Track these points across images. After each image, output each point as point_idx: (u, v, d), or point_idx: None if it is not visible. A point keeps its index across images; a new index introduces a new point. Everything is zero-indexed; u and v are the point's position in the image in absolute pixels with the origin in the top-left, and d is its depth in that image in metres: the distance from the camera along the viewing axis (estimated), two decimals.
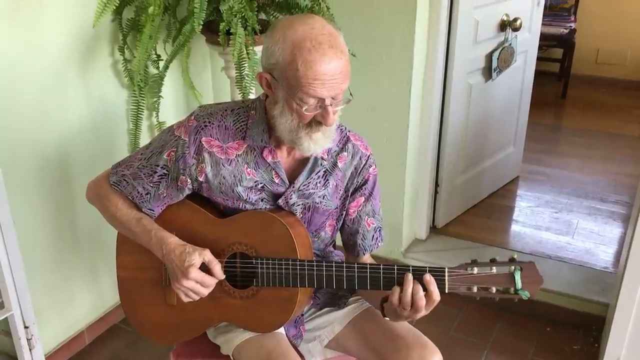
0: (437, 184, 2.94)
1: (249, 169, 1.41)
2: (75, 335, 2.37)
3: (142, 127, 2.31)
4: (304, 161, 1.44)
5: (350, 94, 1.32)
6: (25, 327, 1.94)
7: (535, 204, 3.36)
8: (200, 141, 1.39)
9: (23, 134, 2.01)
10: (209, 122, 1.41)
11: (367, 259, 1.57)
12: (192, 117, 1.42)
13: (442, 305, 1.35)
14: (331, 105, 1.28)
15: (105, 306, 2.49)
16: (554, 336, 2.49)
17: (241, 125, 1.41)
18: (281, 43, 1.25)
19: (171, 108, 2.54)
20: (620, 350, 2.09)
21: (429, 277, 1.29)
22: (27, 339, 1.96)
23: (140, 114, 2.29)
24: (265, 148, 1.40)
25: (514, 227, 3.15)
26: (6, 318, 1.89)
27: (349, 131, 1.51)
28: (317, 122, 1.31)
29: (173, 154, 1.40)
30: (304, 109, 1.27)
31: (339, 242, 1.62)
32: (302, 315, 1.59)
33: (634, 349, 2.08)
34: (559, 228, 3.10)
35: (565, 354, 2.39)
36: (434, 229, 3.03)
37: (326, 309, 1.60)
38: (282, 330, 1.51)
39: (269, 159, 1.41)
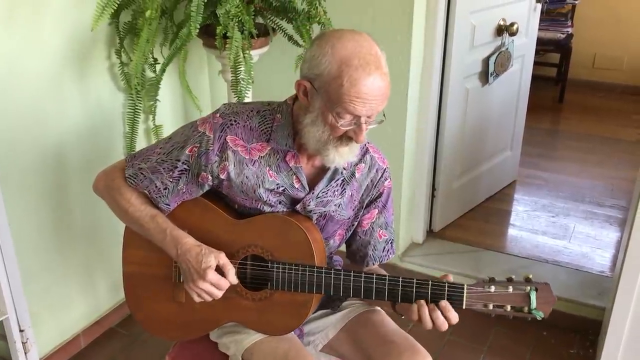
0: (434, 188, 2.94)
1: (270, 172, 1.41)
2: (71, 339, 2.37)
3: (138, 130, 2.31)
4: (324, 169, 1.45)
5: (384, 115, 1.33)
6: (21, 331, 1.94)
7: (532, 208, 3.36)
8: (225, 139, 1.39)
9: (19, 137, 2.01)
10: (235, 121, 1.41)
11: (375, 268, 1.58)
12: (218, 115, 1.42)
13: None
14: (365, 123, 1.30)
15: (101, 310, 2.48)
16: (550, 340, 2.49)
17: (266, 128, 1.41)
18: (329, 56, 1.26)
19: (168, 111, 2.54)
20: (617, 354, 2.09)
21: (444, 304, 1.32)
22: (23, 343, 1.95)
23: (137, 117, 2.29)
24: (289, 152, 1.41)
25: (511, 231, 3.15)
26: (1, 321, 1.89)
27: (367, 142, 1.52)
28: (347, 137, 1.32)
29: (196, 149, 1.40)
30: (339, 123, 1.29)
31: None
32: None
33: (630, 352, 2.08)
34: (556, 232, 3.10)
35: (562, 358, 2.39)
36: (431, 233, 3.03)
37: (320, 312, 1.61)
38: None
39: (292, 164, 1.42)
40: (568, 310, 2.52)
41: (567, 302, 2.52)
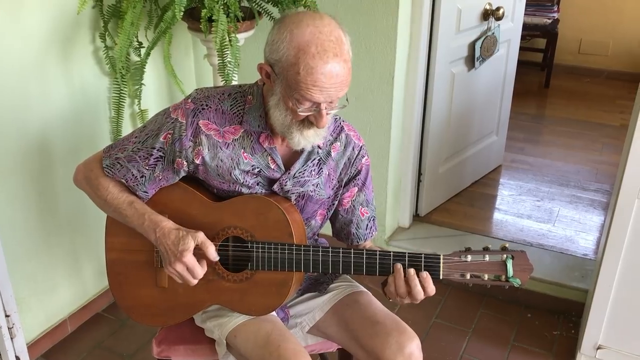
0: (420, 173, 2.96)
1: (245, 154, 1.42)
2: (58, 324, 2.37)
3: (124, 114, 2.30)
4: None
5: (347, 99, 1.32)
6: (6, 316, 1.93)
7: (517, 192, 3.39)
8: (198, 124, 1.39)
9: (2, 121, 1.99)
10: (207, 105, 1.41)
11: (367, 245, 1.59)
12: (189, 100, 1.42)
13: None
14: (326, 109, 1.29)
15: (88, 294, 2.48)
16: (534, 322, 2.52)
17: (238, 110, 1.41)
18: (287, 42, 1.24)
19: (153, 96, 2.52)
20: (599, 335, 2.13)
21: (425, 275, 1.33)
22: (9, 328, 1.95)
23: (122, 101, 2.27)
24: (262, 133, 1.41)
25: (496, 215, 3.18)
26: None
27: (343, 121, 1.52)
28: (309, 122, 1.32)
29: (170, 136, 1.40)
30: (299, 109, 1.29)
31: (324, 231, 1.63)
32: None
33: (612, 334, 2.11)
34: (541, 216, 3.13)
35: (545, 340, 2.42)
36: (417, 217, 3.05)
37: (307, 295, 1.62)
38: (274, 312, 1.52)
39: (266, 145, 1.42)
40: (552, 292, 2.56)
41: (551, 285, 2.56)
